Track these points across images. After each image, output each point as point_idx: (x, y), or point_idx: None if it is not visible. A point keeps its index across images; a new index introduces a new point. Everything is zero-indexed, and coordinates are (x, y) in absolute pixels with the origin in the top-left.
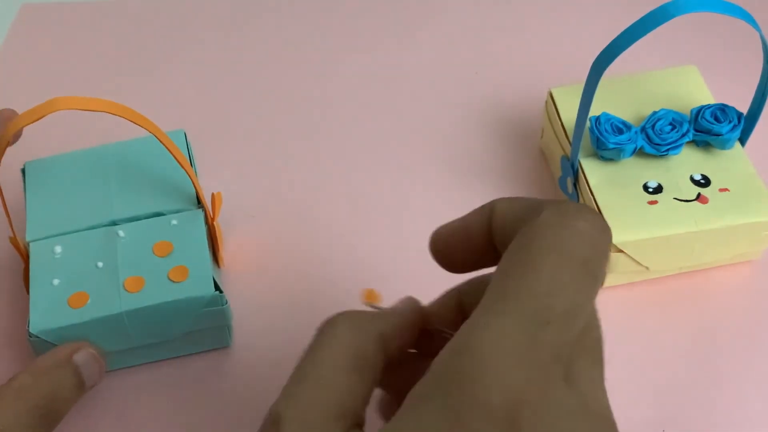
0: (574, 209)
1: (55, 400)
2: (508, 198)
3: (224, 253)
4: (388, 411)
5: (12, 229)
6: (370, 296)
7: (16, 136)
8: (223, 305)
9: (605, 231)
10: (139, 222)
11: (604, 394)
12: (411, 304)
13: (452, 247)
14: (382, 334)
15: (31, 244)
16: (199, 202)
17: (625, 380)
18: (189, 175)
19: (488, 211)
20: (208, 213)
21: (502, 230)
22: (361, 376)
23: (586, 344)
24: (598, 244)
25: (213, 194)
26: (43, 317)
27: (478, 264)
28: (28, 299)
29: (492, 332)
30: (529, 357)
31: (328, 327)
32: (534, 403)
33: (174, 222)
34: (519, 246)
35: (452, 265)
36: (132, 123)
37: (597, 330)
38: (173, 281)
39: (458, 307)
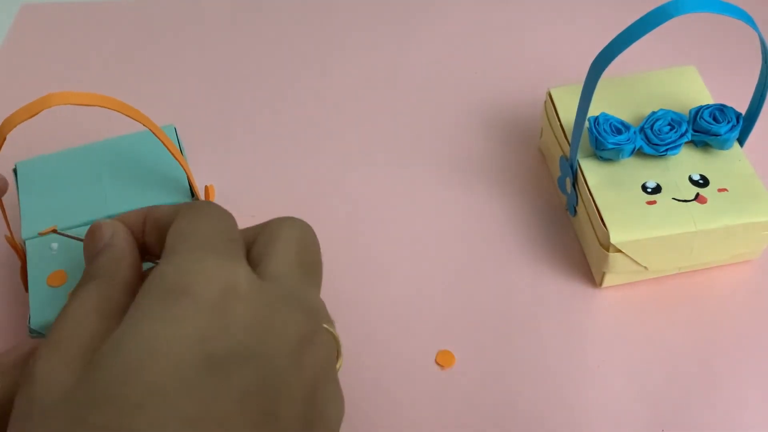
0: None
1: (13, 399)
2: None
3: None
4: None
5: (8, 228)
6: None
7: (2, 190)
8: None
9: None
10: None
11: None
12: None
13: None
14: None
15: (27, 242)
16: (193, 195)
17: (624, 380)
18: (183, 167)
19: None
20: None
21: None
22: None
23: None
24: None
25: (206, 186)
26: (43, 312)
27: None
28: (27, 296)
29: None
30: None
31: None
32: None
33: None
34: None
35: None
36: (126, 118)
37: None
38: None
39: (143, 224)
